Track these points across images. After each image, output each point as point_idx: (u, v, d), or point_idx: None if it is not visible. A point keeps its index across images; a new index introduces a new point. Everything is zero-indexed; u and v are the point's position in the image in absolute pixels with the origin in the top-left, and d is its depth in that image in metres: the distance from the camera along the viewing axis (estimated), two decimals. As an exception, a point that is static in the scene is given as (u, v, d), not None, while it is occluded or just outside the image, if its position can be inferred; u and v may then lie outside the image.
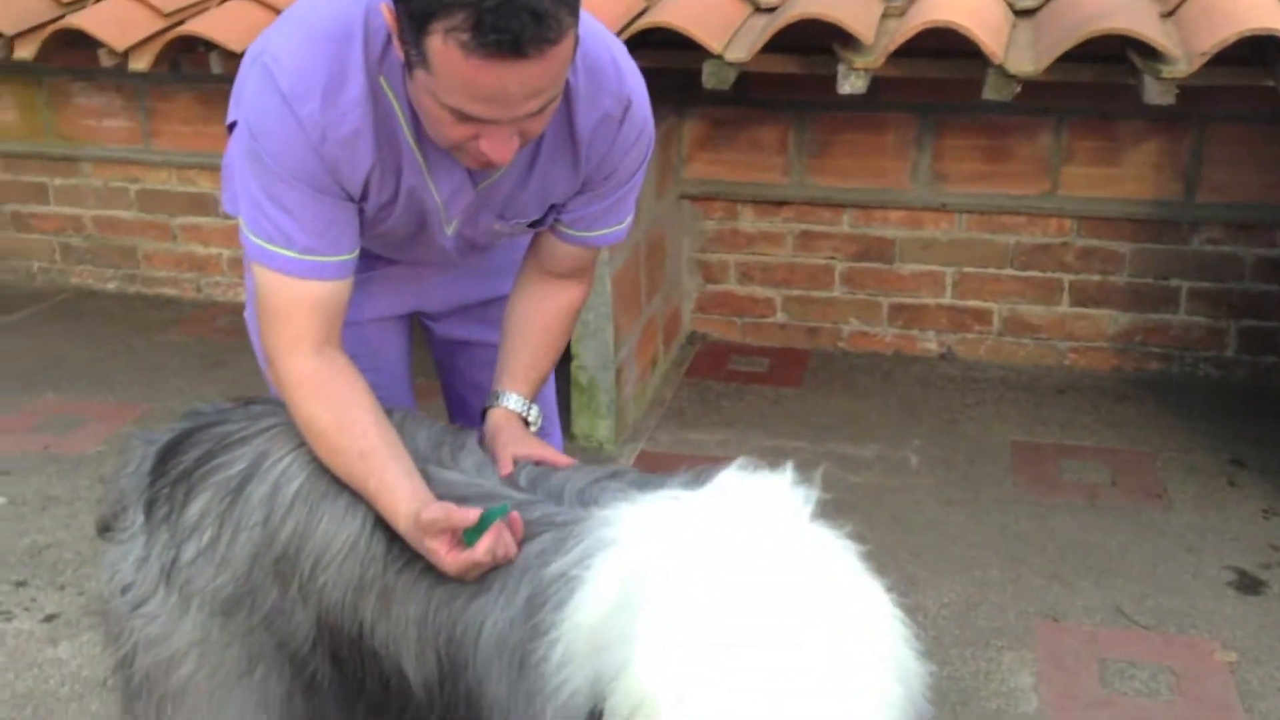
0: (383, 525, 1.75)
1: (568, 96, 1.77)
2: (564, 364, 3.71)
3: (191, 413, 1.95)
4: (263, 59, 1.72)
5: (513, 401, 1.99)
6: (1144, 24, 2.79)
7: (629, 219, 2.07)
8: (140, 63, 3.51)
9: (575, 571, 1.53)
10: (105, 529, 1.95)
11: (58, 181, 5.03)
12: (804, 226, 4.44)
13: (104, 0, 3.67)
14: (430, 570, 1.71)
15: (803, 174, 4.35)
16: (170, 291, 5.08)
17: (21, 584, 3.08)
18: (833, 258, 4.45)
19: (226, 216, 4.86)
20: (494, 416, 1.96)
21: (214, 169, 4.76)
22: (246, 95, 1.78)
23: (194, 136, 4.76)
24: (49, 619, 2.94)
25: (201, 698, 1.81)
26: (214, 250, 4.98)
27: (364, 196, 1.83)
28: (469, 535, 1.61)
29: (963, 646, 2.85)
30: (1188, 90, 3.61)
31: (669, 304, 4.39)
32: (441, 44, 1.49)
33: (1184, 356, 4.28)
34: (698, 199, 4.47)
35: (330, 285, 1.82)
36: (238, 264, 4.93)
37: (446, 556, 1.64)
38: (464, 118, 1.58)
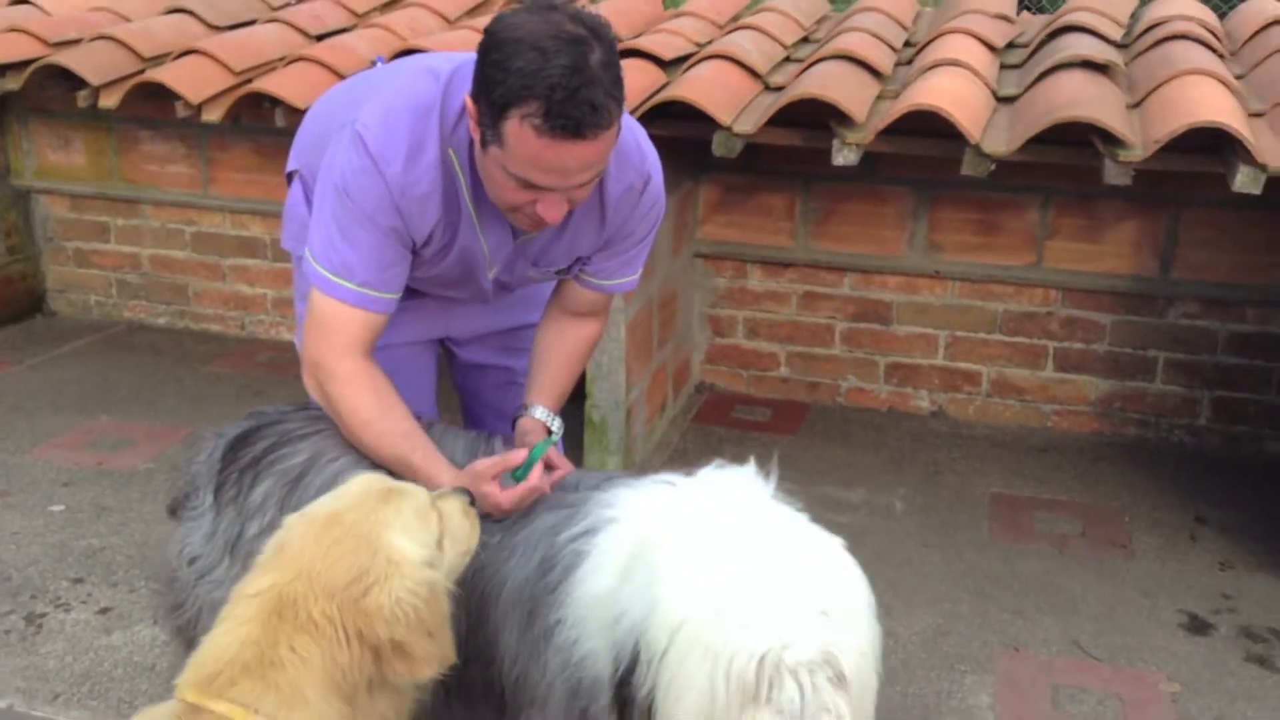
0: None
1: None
2: (579, 403, 4.04)
3: (256, 412, 2.29)
4: (355, 126, 2.10)
5: (539, 412, 2.33)
6: (1105, 113, 3.12)
7: (639, 271, 2.45)
8: (213, 115, 3.89)
9: (581, 542, 1.85)
10: (174, 510, 2.28)
11: (119, 222, 5.43)
12: (808, 287, 4.77)
13: (182, 57, 4.06)
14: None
15: (807, 239, 4.69)
16: (216, 328, 5.44)
17: (79, 581, 3.39)
18: (833, 318, 4.78)
19: (273, 259, 5.26)
20: (522, 423, 2.31)
21: (265, 215, 5.16)
22: (339, 154, 2.14)
23: (248, 184, 5.15)
24: (103, 611, 3.25)
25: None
26: (260, 290, 5.35)
27: (426, 244, 2.19)
28: (517, 474, 1.96)
29: (928, 669, 3.12)
30: (1160, 175, 3.97)
31: (679, 354, 4.72)
32: (517, 126, 1.87)
33: (1159, 423, 4.57)
34: (710, 258, 4.81)
35: (375, 316, 2.18)
36: (281, 303, 5.29)
37: (500, 495, 2.00)
38: (528, 186, 1.96)
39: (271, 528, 2.11)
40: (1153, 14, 4.09)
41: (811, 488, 4.14)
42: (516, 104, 1.85)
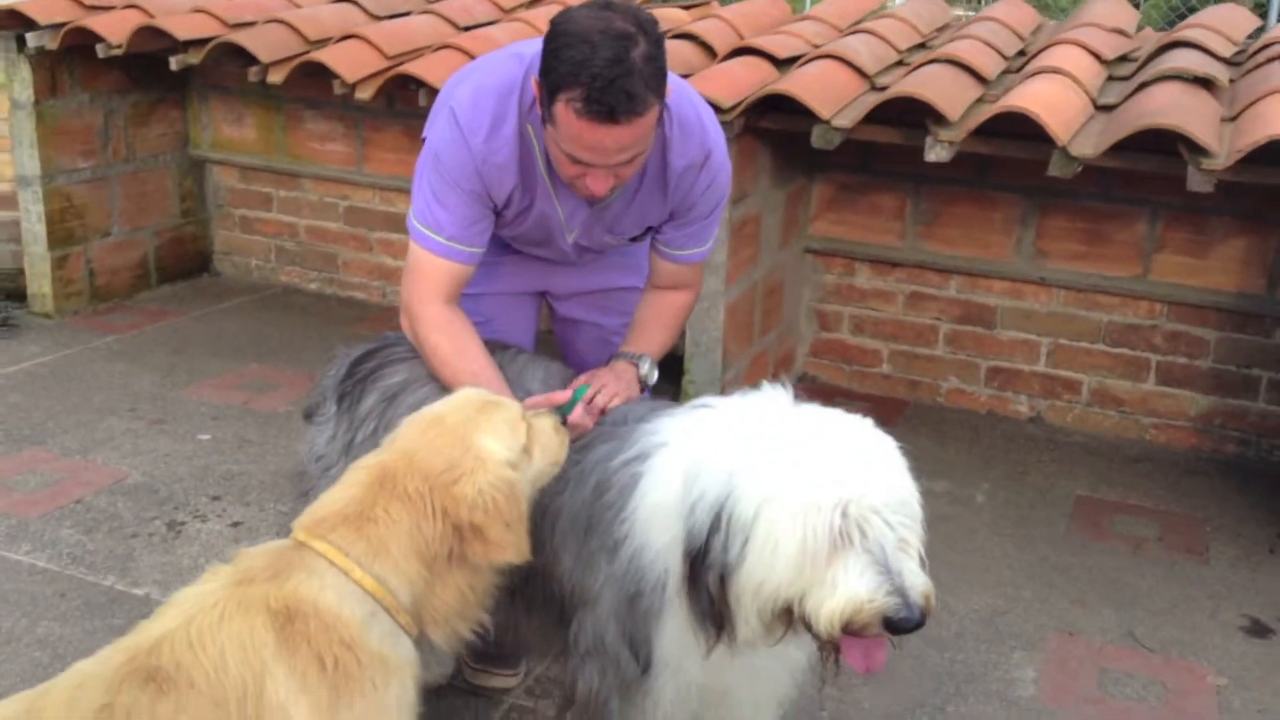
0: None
1: (664, 144, 2.42)
2: (677, 378, 4.29)
3: (377, 337, 2.65)
4: (450, 103, 2.43)
5: (630, 356, 2.59)
6: (1190, 122, 3.22)
7: (710, 244, 2.71)
8: (365, 93, 4.29)
9: (635, 465, 2.11)
10: (309, 415, 2.65)
11: (281, 193, 5.92)
12: (914, 288, 4.92)
13: (343, 41, 4.47)
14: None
15: (916, 240, 4.84)
16: (360, 295, 5.88)
17: (216, 499, 3.81)
18: (938, 319, 4.92)
19: (415, 234, 5.66)
20: (614, 360, 2.58)
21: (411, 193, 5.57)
22: (436, 126, 2.47)
23: (398, 164, 5.57)
24: (235, 525, 3.65)
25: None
26: (402, 263, 5.74)
27: (506, 206, 2.49)
28: (564, 410, 2.25)
29: (980, 641, 3.27)
30: (1270, 194, 4.01)
31: (784, 344, 4.92)
32: (564, 109, 2.16)
33: (1260, 443, 4.57)
34: (820, 254, 5.01)
35: (459, 266, 2.51)
36: (420, 276, 5.69)
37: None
38: (575, 161, 2.26)
39: (373, 436, 2.45)
40: (1272, 34, 4.13)
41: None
42: (564, 89, 2.13)
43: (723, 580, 1.89)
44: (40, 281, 5.26)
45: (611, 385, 2.46)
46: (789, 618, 1.88)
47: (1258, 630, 3.40)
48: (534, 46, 2.43)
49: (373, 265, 5.84)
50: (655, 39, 2.18)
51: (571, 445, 2.25)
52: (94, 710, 1.65)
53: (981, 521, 3.96)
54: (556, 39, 2.17)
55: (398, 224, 5.71)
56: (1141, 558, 3.78)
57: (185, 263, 5.97)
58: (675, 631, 2.06)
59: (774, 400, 2.02)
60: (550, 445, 2.15)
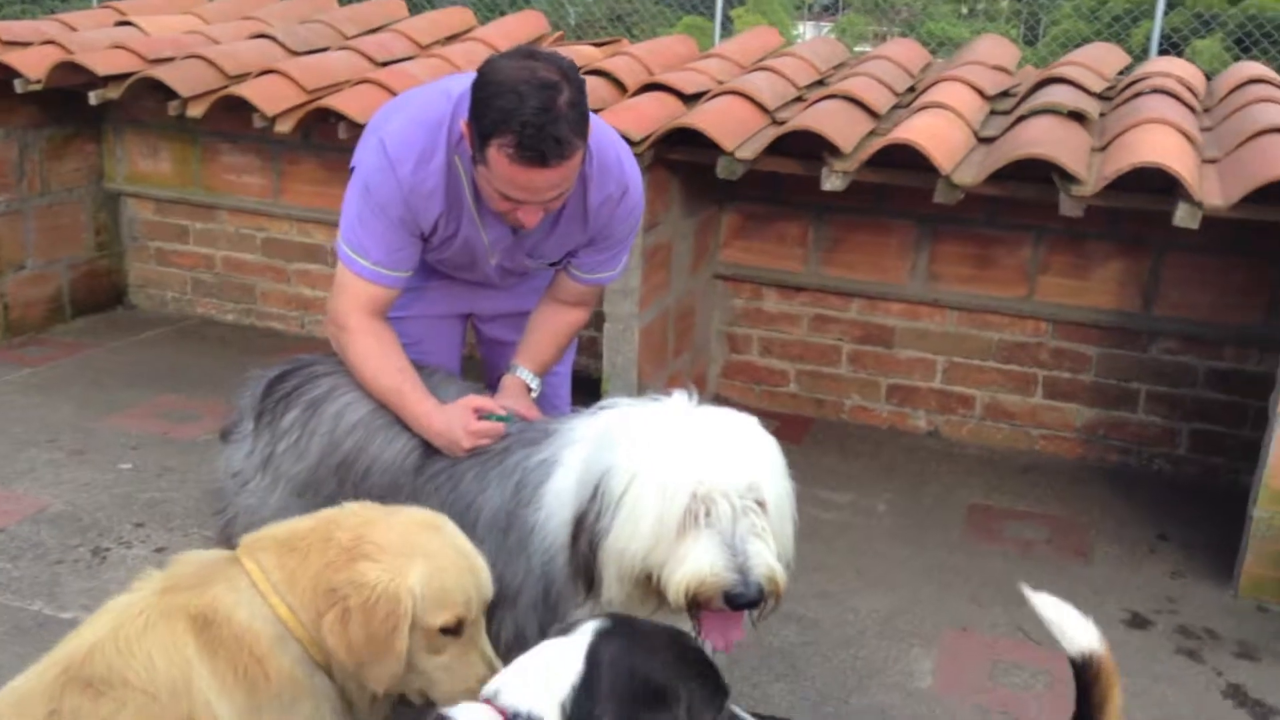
0: (418, 448, 2.51)
1: (584, 180, 2.60)
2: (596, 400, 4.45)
3: (292, 359, 2.76)
4: (379, 133, 2.60)
5: (521, 372, 2.76)
6: (1061, 152, 3.50)
7: (620, 269, 2.90)
8: (284, 126, 4.39)
9: (549, 463, 2.28)
10: (225, 435, 2.75)
11: (198, 225, 5.98)
12: (818, 310, 5.16)
13: (262, 75, 4.58)
14: (444, 481, 2.46)
15: (819, 265, 5.08)
16: (279, 326, 5.95)
17: (140, 525, 3.87)
18: (841, 339, 5.16)
19: (334, 265, 5.74)
20: (506, 380, 2.75)
21: (329, 224, 5.67)
22: (365, 156, 2.63)
23: (315, 195, 5.67)
24: (159, 550, 3.72)
25: (277, 554, 2.57)
26: (320, 293, 5.85)
27: (433, 232, 2.64)
28: (491, 417, 2.47)
29: (880, 639, 3.47)
30: (1142, 219, 4.32)
31: (697, 366, 5.12)
32: (497, 153, 2.34)
33: (1141, 451, 4.87)
34: (729, 279, 5.23)
35: (384, 290, 2.67)
36: (338, 305, 5.79)
37: (473, 424, 2.45)
38: (506, 198, 2.41)
39: (296, 445, 2.57)
40: (1140, 70, 4.45)
41: (803, 488, 4.45)
42: (496, 135, 2.31)
43: (593, 545, 2.08)
44: (-47, 315, 5.26)
45: (513, 404, 2.64)
46: (654, 588, 2.06)
47: (1137, 622, 3.66)
48: (460, 84, 2.60)
49: (290, 296, 5.92)
50: (578, 85, 2.36)
51: (482, 450, 2.44)
52: (46, 716, 1.74)
53: (883, 529, 4.18)
54: (486, 88, 2.34)
55: (315, 255, 5.81)
56: (1030, 559, 4.02)
57: (100, 296, 5.98)
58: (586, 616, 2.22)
59: (674, 401, 2.20)
60: (458, 669, 2.00)
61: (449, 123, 2.55)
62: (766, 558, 2.03)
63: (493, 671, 1.90)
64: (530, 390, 2.77)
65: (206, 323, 5.98)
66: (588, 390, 3.72)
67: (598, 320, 4.70)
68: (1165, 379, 4.78)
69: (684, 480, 2.00)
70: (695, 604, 2.03)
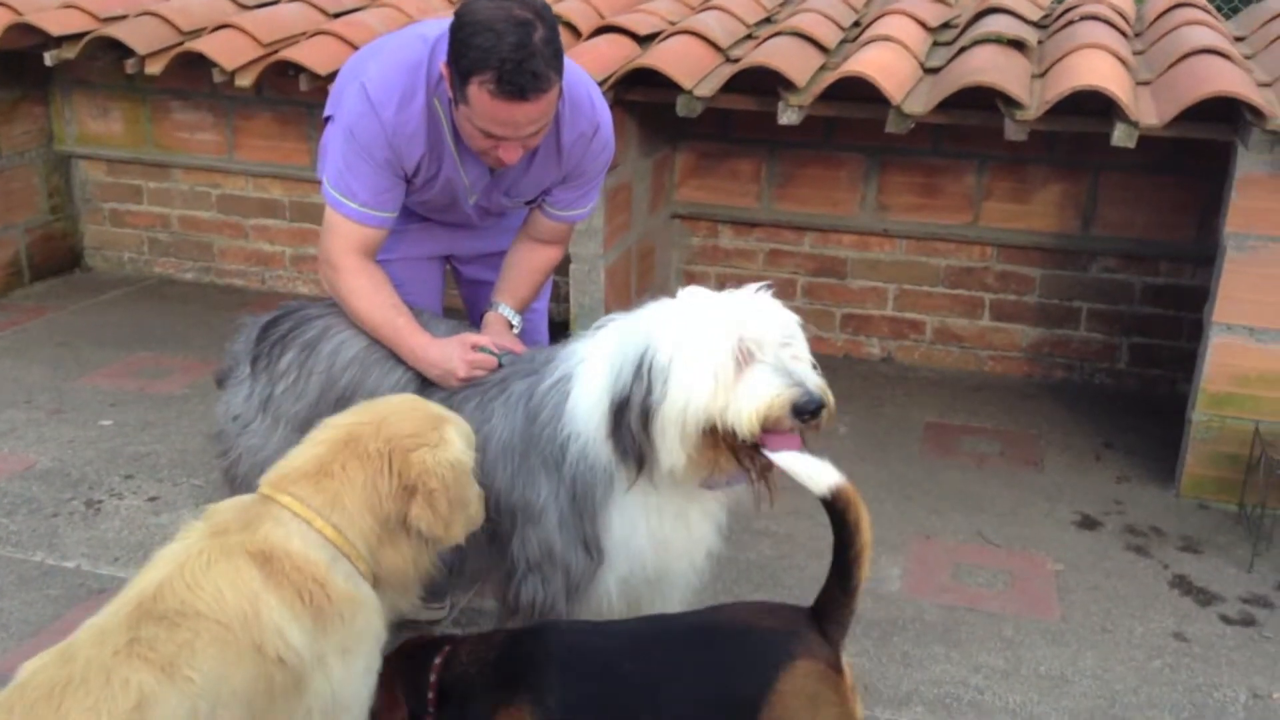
0: (414, 380, 2.63)
1: (557, 120, 2.71)
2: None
3: (283, 304, 2.86)
4: (361, 79, 2.67)
5: (503, 309, 2.89)
6: (1005, 79, 3.66)
7: (591, 206, 3.03)
8: (245, 80, 4.43)
9: (562, 385, 2.42)
10: (221, 381, 2.85)
11: (151, 185, 5.98)
12: (772, 245, 5.32)
13: (218, 31, 4.61)
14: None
15: (772, 201, 5.23)
16: (239, 282, 5.99)
17: (129, 477, 3.95)
18: (796, 273, 5.32)
19: (291, 219, 5.82)
20: (489, 316, 2.88)
21: (284, 178, 5.72)
22: (347, 101, 2.71)
23: (270, 150, 5.70)
24: (152, 499, 3.81)
25: (283, 489, 2.69)
26: (279, 248, 5.90)
27: (415, 174, 2.74)
28: (485, 350, 2.60)
29: (851, 550, 3.66)
30: (1079, 141, 4.51)
31: (656, 304, 5.25)
32: (477, 90, 2.43)
33: (1083, 367, 5.11)
34: (686, 218, 5.36)
35: (372, 230, 2.76)
36: (299, 260, 5.85)
37: (469, 355, 2.58)
38: (489, 135, 2.52)
39: (294, 386, 2.68)
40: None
41: (766, 415, 4.70)
42: (476, 73, 2.41)
43: (645, 420, 2.25)
44: (-87, 283, 5.25)
45: (501, 340, 2.77)
46: (714, 440, 2.23)
47: (1087, 524, 3.89)
48: (436, 28, 2.69)
49: (250, 252, 5.96)
50: (551, 23, 2.47)
51: (477, 382, 2.60)
52: (123, 645, 1.83)
53: (845, 450, 4.37)
54: (463, 28, 2.44)
55: (273, 210, 5.85)
56: (985, 470, 4.24)
57: (57, 259, 5.99)
58: (623, 518, 2.39)
59: (689, 293, 2.36)
60: (474, 502, 2.32)
61: (427, 65, 2.65)
62: (816, 375, 2.29)
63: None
64: (512, 326, 2.89)
65: (165, 282, 6.01)
66: (556, 332, 3.85)
67: (563, 265, 4.81)
68: (1105, 297, 5.00)
69: (729, 330, 2.21)
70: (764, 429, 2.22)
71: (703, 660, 2.11)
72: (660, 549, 2.44)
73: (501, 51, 2.37)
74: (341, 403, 2.65)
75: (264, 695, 1.92)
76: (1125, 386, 5.05)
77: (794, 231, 5.27)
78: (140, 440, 4.22)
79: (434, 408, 2.30)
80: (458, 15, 2.47)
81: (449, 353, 2.60)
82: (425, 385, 2.62)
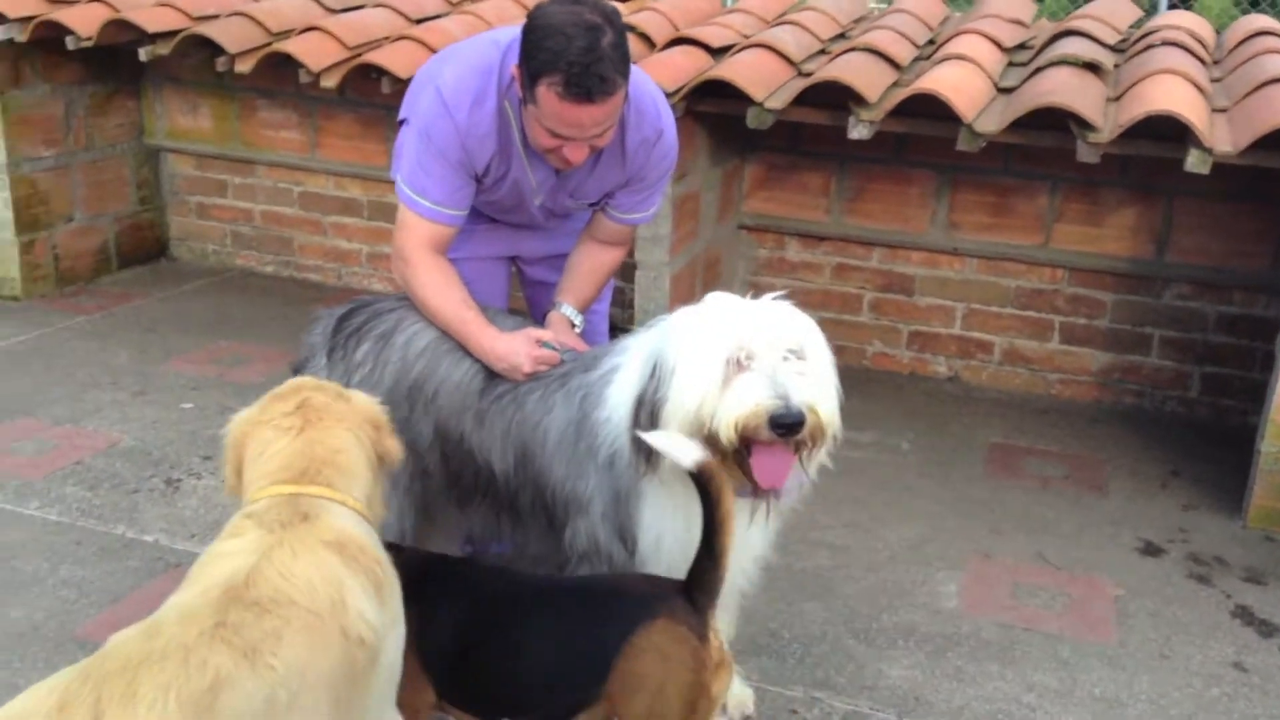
0: (481, 372, 2.71)
1: (622, 124, 2.78)
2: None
3: (355, 299, 2.96)
4: (436, 82, 2.77)
5: (565, 308, 2.96)
6: (1079, 101, 3.66)
7: (654, 210, 3.10)
8: (329, 81, 4.57)
9: (609, 375, 2.49)
10: (297, 371, 2.94)
11: (236, 180, 6.16)
12: (840, 259, 5.34)
13: (305, 33, 4.75)
14: (508, 402, 2.66)
15: (841, 215, 5.25)
16: (315, 277, 6.14)
17: (208, 458, 4.08)
18: (863, 288, 5.34)
19: (369, 218, 5.95)
20: (551, 315, 2.96)
21: (363, 178, 5.85)
22: (423, 103, 2.81)
23: (350, 150, 5.84)
24: (223, 483, 3.93)
25: (356, 476, 2.77)
26: (355, 245, 6.04)
27: (485, 174, 2.83)
28: (549, 345, 2.67)
29: (908, 564, 3.68)
30: (1155, 166, 4.48)
31: (722, 314, 5.29)
32: (546, 91, 2.52)
33: (1154, 394, 5.06)
34: (753, 230, 5.40)
35: (444, 228, 2.86)
36: (374, 258, 5.98)
37: (536, 351, 2.66)
38: (555, 135, 2.61)
39: (370, 376, 2.77)
40: (1152, 24, 4.60)
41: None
42: (545, 75, 2.49)
43: (652, 417, 2.31)
44: (8, 265, 5.46)
45: (564, 338, 2.85)
46: (711, 444, 2.26)
47: (1150, 550, 3.86)
48: (508, 34, 2.78)
49: (327, 248, 6.10)
50: (620, 28, 2.54)
51: (541, 375, 2.69)
52: (210, 627, 1.84)
53: (907, 466, 4.38)
54: (535, 31, 2.52)
55: (351, 208, 5.99)
56: (1049, 493, 4.22)
57: (143, 248, 6.18)
58: (653, 513, 2.44)
59: (712, 298, 2.41)
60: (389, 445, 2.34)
61: (499, 69, 2.73)
62: (807, 390, 2.25)
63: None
64: (574, 325, 2.97)
65: (246, 274, 6.18)
66: (619, 336, 3.92)
67: (628, 271, 4.89)
68: (1178, 324, 4.95)
69: (726, 334, 2.25)
70: (745, 443, 2.25)
71: (572, 612, 2.26)
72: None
73: (570, 54, 2.45)
74: (414, 390, 2.75)
75: (347, 679, 1.96)
76: (1196, 415, 4.99)
77: (862, 246, 5.29)
78: (219, 424, 4.26)
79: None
80: (530, 18, 2.54)
81: (515, 347, 2.67)
82: (491, 377, 2.70)
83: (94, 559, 3.38)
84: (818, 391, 2.28)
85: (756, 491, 2.35)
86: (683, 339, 2.31)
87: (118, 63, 5.64)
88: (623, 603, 2.22)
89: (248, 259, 6.26)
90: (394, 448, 2.31)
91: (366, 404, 2.31)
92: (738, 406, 2.21)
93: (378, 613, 2.04)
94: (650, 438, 2.24)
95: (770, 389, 2.20)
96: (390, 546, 2.24)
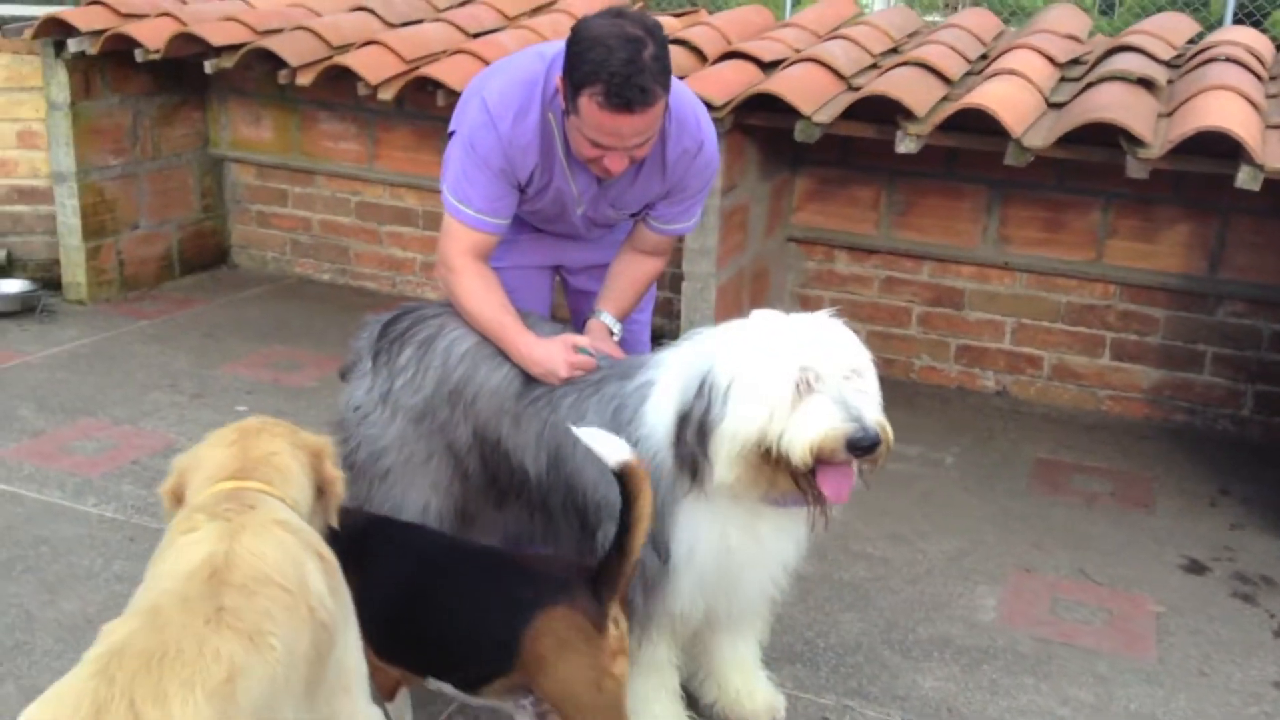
0: (519, 377, 2.77)
1: (663, 136, 2.83)
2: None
3: (401, 305, 3.04)
4: (482, 93, 2.85)
5: (605, 316, 3.02)
6: (1128, 117, 3.65)
7: (694, 221, 3.15)
8: (387, 94, 4.68)
9: (645, 388, 2.53)
10: (344, 374, 3.03)
11: (296, 189, 6.30)
12: (889, 273, 5.34)
13: (364, 46, 4.86)
14: (543, 405, 2.71)
15: (891, 229, 5.26)
16: (371, 285, 6.26)
17: (256, 461, 4.18)
18: (912, 301, 5.34)
19: (424, 228, 6.06)
20: (591, 323, 3.02)
21: (419, 189, 5.97)
22: (468, 114, 2.88)
23: (407, 161, 5.96)
24: (274, 484, 4.02)
25: (397, 477, 2.85)
26: (410, 254, 6.15)
27: (528, 184, 2.89)
28: (584, 350, 2.73)
29: (947, 577, 3.68)
30: (1208, 183, 4.44)
31: (770, 326, 5.32)
32: (587, 101, 2.58)
33: (1206, 412, 5.00)
34: (802, 242, 5.42)
35: (486, 236, 2.92)
36: (428, 267, 6.08)
37: (571, 357, 2.72)
38: (596, 145, 2.67)
39: (411, 381, 2.84)
40: (1209, 39, 4.56)
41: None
42: (587, 85, 2.56)
43: (701, 435, 2.34)
44: (75, 271, 5.63)
45: (600, 345, 2.89)
46: (770, 461, 2.30)
47: (1195, 568, 3.82)
48: (554, 48, 2.84)
49: (383, 257, 6.22)
50: (661, 41, 2.60)
51: (576, 380, 2.74)
52: (214, 613, 1.86)
53: (950, 479, 4.38)
54: (579, 43, 2.59)
55: (406, 218, 6.10)
56: (1094, 509, 4.19)
57: (206, 255, 6.34)
58: (688, 523, 2.47)
59: (760, 316, 2.44)
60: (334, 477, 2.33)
61: (543, 82, 2.80)
62: (876, 411, 2.31)
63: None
64: (612, 333, 3.01)
65: (304, 281, 6.31)
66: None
67: (674, 281, 4.93)
68: (1231, 342, 4.90)
69: (792, 358, 2.27)
70: (814, 462, 2.28)
71: (487, 584, 2.38)
72: (724, 557, 2.51)
73: (612, 66, 2.50)
74: (454, 394, 2.81)
75: (315, 660, 1.98)
76: (1248, 434, 4.93)
77: (912, 260, 5.29)
78: (270, 428, 4.44)
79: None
80: (574, 30, 2.61)
81: (552, 352, 2.72)
82: (528, 382, 2.75)
83: (146, 555, 3.41)
84: (879, 410, 2.34)
85: (811, 502, 2.40)
86: (738, 358, 2.33)
87: (184, 75, 5.81)
88: (531, 584, 2.34)
89: (306, 267, 6.40)
90: (335, 477, 2.30)
91: (309, 434, 2.32)
92: (813, 429, 2.24)
93: (331, 597, 2.06)
94: (581, 433, 2.31)
95: (844, 412, 2.24)
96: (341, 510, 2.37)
